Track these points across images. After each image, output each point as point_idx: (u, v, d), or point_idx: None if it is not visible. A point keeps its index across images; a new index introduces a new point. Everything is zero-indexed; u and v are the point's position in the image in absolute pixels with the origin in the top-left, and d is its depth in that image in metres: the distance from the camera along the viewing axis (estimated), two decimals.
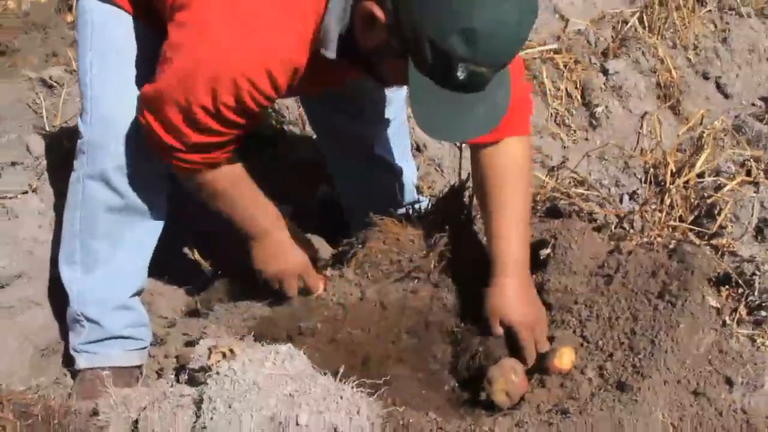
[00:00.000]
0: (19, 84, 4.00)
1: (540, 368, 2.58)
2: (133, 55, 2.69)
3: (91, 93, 2.70)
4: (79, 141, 2.76)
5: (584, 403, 2.42)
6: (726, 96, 4.65)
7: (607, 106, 4.11)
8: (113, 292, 2.83)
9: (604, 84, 4.19)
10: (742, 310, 2.60)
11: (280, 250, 2.77)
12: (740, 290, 2.61)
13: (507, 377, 2.50)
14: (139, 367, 2.89)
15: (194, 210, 3.29)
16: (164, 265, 3.08)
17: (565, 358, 2.54)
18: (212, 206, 2.69)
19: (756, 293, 2.59)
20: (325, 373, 2.17)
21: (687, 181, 2.90)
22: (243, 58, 2.30)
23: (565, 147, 3.93)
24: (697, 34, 4.63)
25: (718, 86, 4.66)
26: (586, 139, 3.99)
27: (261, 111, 2.45)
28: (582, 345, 2.62)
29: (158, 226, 2.86)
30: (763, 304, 2.59)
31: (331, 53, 2.37)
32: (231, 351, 2.23)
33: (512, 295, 2.62)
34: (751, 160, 2.92)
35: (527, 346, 2.61)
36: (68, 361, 2.93)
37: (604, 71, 4.25)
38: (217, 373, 2.15)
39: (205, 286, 3.13)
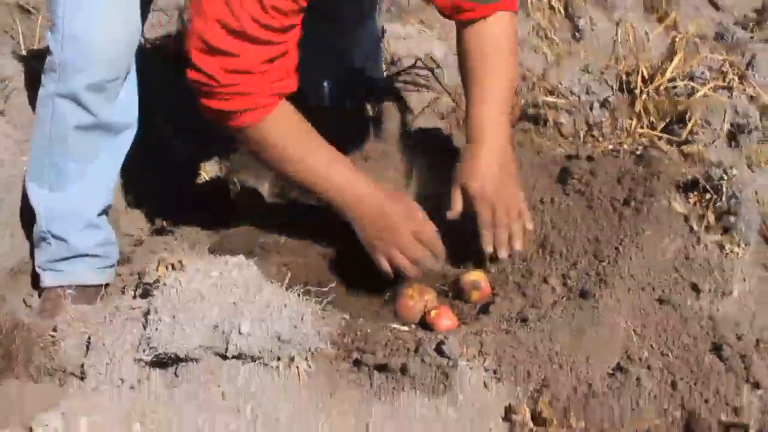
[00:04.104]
0: None
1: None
2: None
3: (63, 11, 2.64)
4: (48, 58, 2.71)
5: (545, 311, 2.38)
6: (717, 8, 4.53)
7: (591, 18, 4.01)
8: (82, 210, 2.80)
9: None
10: (710, 217, 2.53)
11: (379, 214, 2.48)
12: (708, 196, 2.55)
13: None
14: (105, 285, 2.86)
15: (160, 126, 3.29)
16: (130, 182, 3.04)
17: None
18: (276, 171, 2.55)
19: (723, 199, 2.52)
20: (272, 282, 2.13)
21: (658, 87, 2.82)
22: None
23: (547, 60, 3.84)
24: None
25: None
26: (570, 52, 3.90)
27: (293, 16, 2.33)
28: (546, 253, 2.58)
29: (128, 143, 2.83)
30: (732, 210, 2.53)
31: None
32: (180, 263, 2.19)
33: (481, 163, 2.50)
34: (726, 64, 2.84)
35: (483, 222, 2.49)
36: (37, 281, 2.91)
37: None
38: (164, 284, 2.13)
39: (172, 204, 3.10)
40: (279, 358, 2.04)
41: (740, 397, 2.17)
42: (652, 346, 2.33)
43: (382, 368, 2.17)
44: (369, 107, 3.20)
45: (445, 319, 2.43)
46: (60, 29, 2.64)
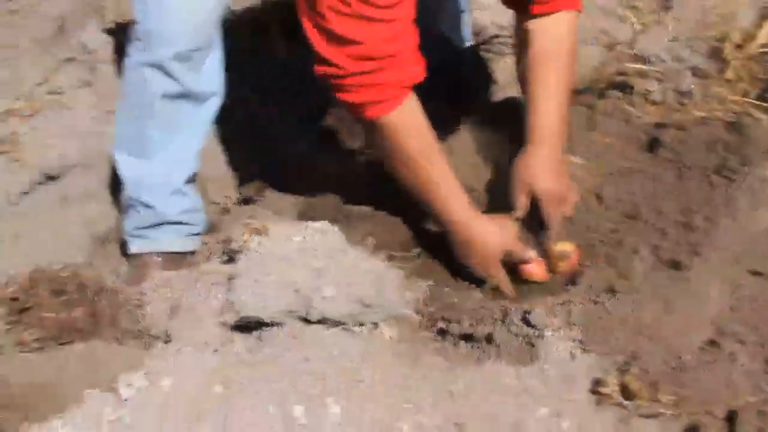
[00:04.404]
0: None
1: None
2: None
3: None
4: (134, 26, 2.72)
5: (636, 282, 2.33)
6: None
7: None
8: (169, 177, 2.81)
9: None
10: None
11: (476, 241, 2.51)
12: None
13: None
14: (192, 253, 2.87)
15: (247, 97, 3.29)
16: (218, 151, 3.06)
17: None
18: (393, 168, 2.51)
19: None
20: (356, 248, 2.12)
21: (750, 53, 2.74)
22: None
23: (634, 30, 3.74)
24: None
25: None
26: (658, 23, 3.79)
27: None
28: (636, 224, 2.52)
29: (213, 112, 2.84)
30: None
31: None
32: (264, 228, 2.19)
33: (541, 164, 2.54)
34: None
35: (552, 220, 2.54)
36: (125, 248, 2.93)
37: None
38: (248, 249, 2.13)
39: (259, 173, 3.11)
40: (362, 324, 2.03)
41: None
42: (746, 320, 2.26)
43: (467, 338, 2.15)
44: (452, 77, 3.16)
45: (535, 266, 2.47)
46: None
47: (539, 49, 2.58)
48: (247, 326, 2.06)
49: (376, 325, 2.05)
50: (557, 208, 2.56)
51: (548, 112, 2.56)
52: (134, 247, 2.84)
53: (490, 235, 2.50)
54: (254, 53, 3.45)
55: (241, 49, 3.28)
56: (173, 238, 2.83)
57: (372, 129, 2.45)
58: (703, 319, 2.23)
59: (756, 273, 2.33)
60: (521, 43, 2.64)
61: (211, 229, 2.93)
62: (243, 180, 3.16)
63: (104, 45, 3.50)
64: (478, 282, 2.50)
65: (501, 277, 2.50)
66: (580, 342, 2.13)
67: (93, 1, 3.96)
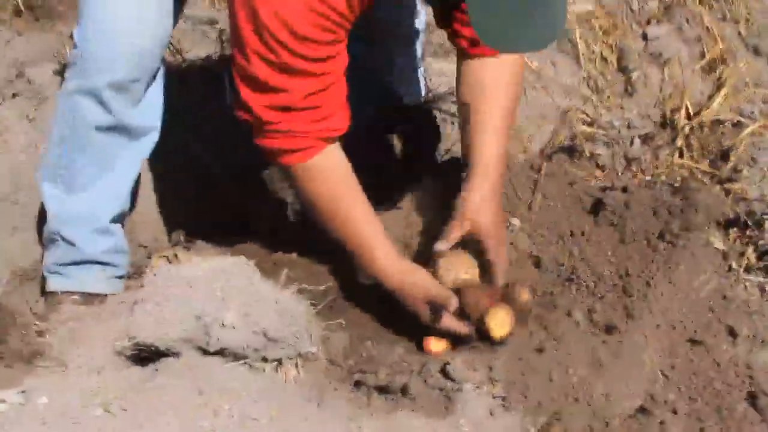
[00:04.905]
0: (49, 37, 3.94)
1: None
2: None
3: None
4: (72, 51, 2.63)
5: (566, 343, 2.21)
6: None
7: (645, 73, 3.86)
8: (94, 214, 2.67)
9: (643, 49, 3.95)
10: (752, 255, 2.36)
11: (402, 288, 2.37)
12: (749, 233, 2.37)
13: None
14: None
15: (184, 136, 3.20)
16: (151, 192, 2.95)
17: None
18: (313, 214, 2.43)
19: (767, 236, 2.35)
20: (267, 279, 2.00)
21: (702, 123, 2.67)
22: None
23: (599, 113, 3.69)
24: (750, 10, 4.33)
25: None
26: (621, 107, 3.75)
27: (336, 43, 2.26)
28: (572, 287, 2.41)
29: (148, 149, 2.71)
30: None
31: None
32: (175, 256, 2.08)
33: (487, 199, 2.40)
34: None
35: (499, 260, 2.37)
36: (44, 286, 2.79)
37: (644, 37, 4.00)
38: (154, 274, 2.01)
39: (191, 219, 2.99)
40: (266, 359, 1.89)
41: None
42: (680, 388, 2.16)
43: (382, 389, 2.03)
44: (402, 134, 3.09)
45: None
46: (87, 17, 2.54)
47: (477, 82, 2.48)
48: (142, 354, 1.93)
49: (280, 362, 1.91)
50: (497, 244, 2.40)
51: (488, 145, 2.44)
52: (53, 284, 2.69)
53: (418, 280, 2.35)
54: (202, 100, 3.36)
55: (189, 94, 3.21)
56: (94, 278, 2.68)
57: (287, 173, 2.39)
58: (635, 385, 2.13)
59: (693, 341, 2.24)
60: (461, 80, 2.54)
61: (135, 272, 2.79)
62: (174, 225, 3.03)
63: (54, 82, 3.41)
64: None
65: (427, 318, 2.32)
66: (502, 399, 2.02)
67: (53, 47, 3.92)
